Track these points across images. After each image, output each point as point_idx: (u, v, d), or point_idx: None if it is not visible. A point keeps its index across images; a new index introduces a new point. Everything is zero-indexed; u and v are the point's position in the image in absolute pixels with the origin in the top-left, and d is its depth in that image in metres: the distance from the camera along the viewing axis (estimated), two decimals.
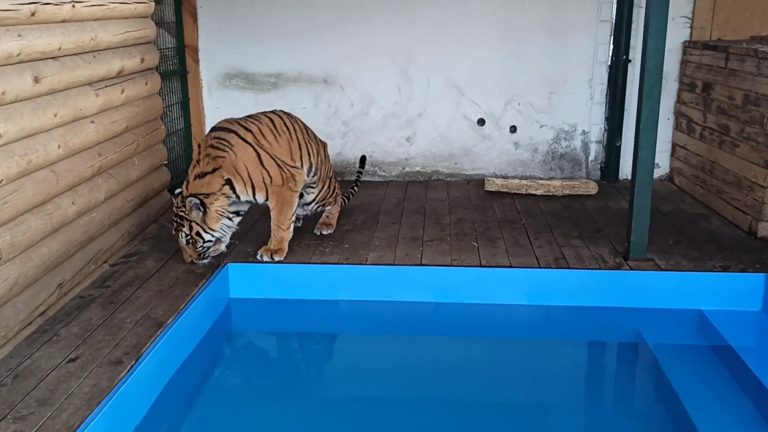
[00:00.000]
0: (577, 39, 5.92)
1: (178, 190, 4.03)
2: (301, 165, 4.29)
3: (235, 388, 3.59)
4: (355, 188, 5.30)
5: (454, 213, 5.21)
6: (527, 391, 3.46)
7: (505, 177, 6.15)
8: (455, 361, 3.79)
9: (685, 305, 3.97)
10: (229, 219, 4.06)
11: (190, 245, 3.97)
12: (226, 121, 4.15)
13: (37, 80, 3.42)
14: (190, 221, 3.90)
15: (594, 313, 4.01)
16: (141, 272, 4.05)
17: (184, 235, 3.94)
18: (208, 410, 3.28)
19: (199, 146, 4.03)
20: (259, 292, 4.19)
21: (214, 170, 3.92)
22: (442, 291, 4.14)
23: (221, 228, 4.01)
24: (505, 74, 6.02)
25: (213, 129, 4.08)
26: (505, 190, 5.73)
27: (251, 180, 4.01)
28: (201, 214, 3.89)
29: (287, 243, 4.21)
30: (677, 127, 5.95)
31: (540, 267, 4.13)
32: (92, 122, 4.02)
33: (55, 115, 3.59)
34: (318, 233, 4.64)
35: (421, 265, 4.18)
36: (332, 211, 4.76)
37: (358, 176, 5.47)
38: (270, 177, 4.05)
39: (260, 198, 4.09)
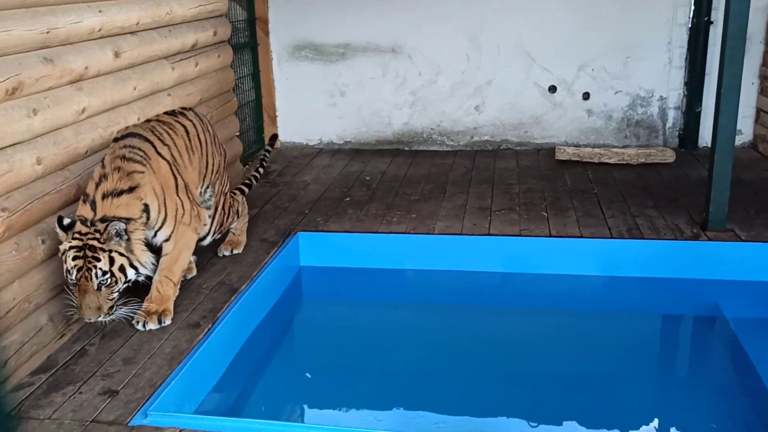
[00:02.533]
0: (655, 0, 5.68)
1: (66, 220, 2.88)
2: (203, 185, 3.56)
3: (304, 354, 3.70)
4: (260, 170, 4.59)
5: (523, 182, 5.14)
6: (598, 364, 3.42)
7: (577, 145, 6.00)
8: (523, 332, 3.78)
9: (766, 277, 3.81)
10: (153, 254, 3.10)
11: (104, 288, 2.86)
12: (136, 125, 3.26)
13: (117, 55, 3.55)
14: (110, 251, 2.85)
15: (669, 285, 3.91)
16: (217, 239, 4.19)
17: (99, 274, 2.83)
18: (280, 373, 3.40)
19: (101, 161, 3.06)
20: (328, 260, 4.27)
21: (131, 189, 2.97)
22: (511, 261, 4.11)
23: (148, 262, 3.02)
24: (578, 39, 5.85)
25: (123, 135, 3.14)
26: (576, 159, 5.60)
27: (165, 208, 3.12)
28: (125, 242, 2.91)
29: (173, 301, 3.25)
30: (762, 91, 5.66)
31: (612, 237, 4.04)
32: (168, 95, 4.15)
33: (134, 89, 3.73)
34: (222, 254, 3.87)
35: (489, 234, 4.16)
36: (238, 227, 4.02)
37: (264, 156, 4.75)
38: (183, 210, 3.22)
39: (162, 235, 3.17)
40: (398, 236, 4.20)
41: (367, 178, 5.34)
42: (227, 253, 3.87)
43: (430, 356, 3.53)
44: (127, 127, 3.25)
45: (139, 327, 3.10)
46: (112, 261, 2.86)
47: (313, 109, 6.25)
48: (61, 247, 2.86)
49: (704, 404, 3.10)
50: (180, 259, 3.25)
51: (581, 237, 4.07)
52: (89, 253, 2.82)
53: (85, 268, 2.82)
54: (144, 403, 2.61)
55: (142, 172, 3.02)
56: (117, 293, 2.93)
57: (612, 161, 5.51)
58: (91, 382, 2.75)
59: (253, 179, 4.45)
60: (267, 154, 4.78)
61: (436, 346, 3.62)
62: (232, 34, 5.21)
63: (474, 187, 5.06)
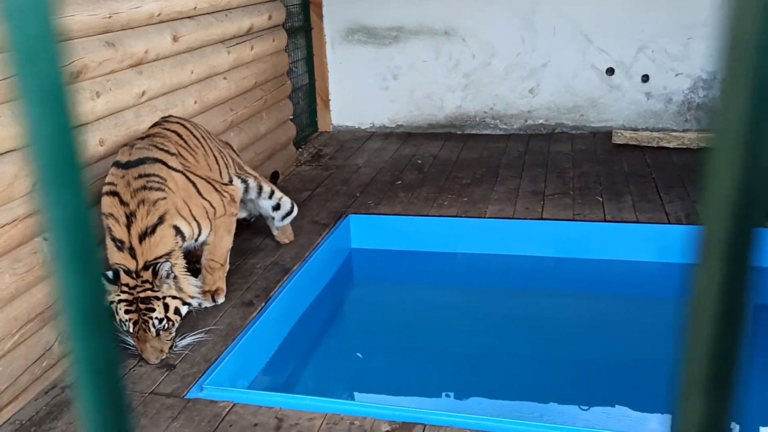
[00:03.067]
0: None
1: (110, 273, 2.73)
2: (230, 179, 3.48)
3: (353, 334, 3.75)
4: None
5: (578, 166, 5.05)
6: (653, 350, 3.35)
7: (635, 129, 5.85)
8: (576, 318, 3.73)
9: None
10: (195, 279, 3.05)
11: (162, 333, 2.81)
12: (138, 148, 2.97)
13: (175, 39, 3.63)
14: (163, 299, 2.78)
15: None
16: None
17: (156, 323, 2.76)
18: (330, 352, 3.45)
19: (114, 194, 2.82)
20: (378, 243, 4.29)
21: (161, 219, 2.86)
22: (564, 246, 4.06)
23: (195, 292, 2.96)
24: (637, 19, 5.68)
25: (132, 163, 2.89)
26: (634, 143, 5.47)
27: (196, 220, 3.08)
28: (173, 280, 2.83)
29: (224, 280, 3.33)
30: None
31: (669, 223, 3.94)
32: (224, 78, 4.22)
33: (192, 72, 3.81)
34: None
35: (542, 219, 4.11)
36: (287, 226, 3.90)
37: None
38: (213, 208, 3.19)
39: (203, 238, 3.18)
40: (449, 219, 4.20)
41: (419, 162, 5.33)
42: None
43: (479, 340, 3.52)
44: (128, 147, 3.00)
45: (195, 305, 3.19)
46: (166, 307, 2.78)
47: (365, 92, 6.27)
48: (109, 298, 2.73)
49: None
50: (221, 243, 3.28)
51: (637, 222, 3.98)
52: (142, 306, 2.73)
53: (141, 321, 2.74)
54: (199, 378, 2.69)
55: (165, 198, 2.90)
56: (174, 331, 2.87)
57: (671, 146, 5.36)
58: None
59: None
60: None
61: (484, 330, 3.62)
62: (286, 18, 5.26)
63: (527, 170, 5.00)
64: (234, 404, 2.52)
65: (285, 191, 4.77)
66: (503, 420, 2.33)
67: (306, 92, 6.22)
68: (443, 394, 3.07)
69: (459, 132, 6.18)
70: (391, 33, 6.15)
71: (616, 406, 2.94)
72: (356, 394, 3.19)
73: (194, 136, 3.36)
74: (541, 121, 6.09)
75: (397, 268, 4.29)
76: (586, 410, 2.89)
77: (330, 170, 5.22)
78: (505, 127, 6.15)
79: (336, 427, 2.38)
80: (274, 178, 4.52)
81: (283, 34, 5.15)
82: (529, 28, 5.89)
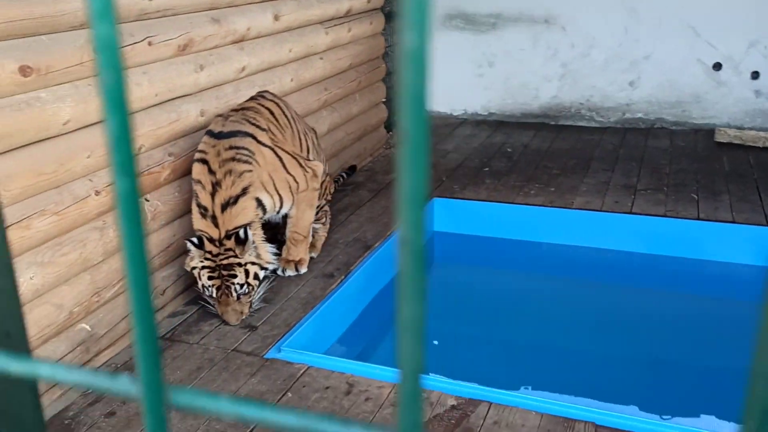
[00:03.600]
0: None
1: (189, 241, 2.91)
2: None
3: (432, 316, 3.79)
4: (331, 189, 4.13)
5: (675, 163, 4.87)
6: (740, 355, 3.22)
7: (740, 128, 5.57)
8: (662, 317, 3.63)
9: None
10: (272, 245, 3.15)
11: (243, 297, 2.96)
12: (232, 121, 3.08)
13: (276, 18, 3.77)
14: (245, 265, 2.92)
15: None
16: (354, 200, 4.37)
17: (237, 288, 2.92)
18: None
19: (204, 162, 2.97)
20: (461, 227, 4.31)
21: (244, 191, 2.97)
22: (653, 242, 3.94)
23: (272, 258, 3.08)
24: (751, 12, 5.39)
25: (224, 134, 3.01)
26: (738, 142, 5.21)
27: (278, 193, 3.17)
28: (253, 248, 2.97)
29: (307, 251, 3.46)
30: None
31: None
32: (321, 58, 4.35)
33: (290, 51, 3.96)
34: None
35: (631, 213, 4.01)
36: (320, 231, 3.70)
37: (340, 178, 4.48)
38: (296, 183, 3.26)
39: (284, 211, 3.29)
40: (534, 208, 4.16)
41: (509, 150, 5.30)
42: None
43: (555, 330, 3.49)
44: (222, 117, 3.13)
45: (279, 272, 3.34)
46: (247, 273, 2.92)
47: (459, 79, 6.26)
48: (193, 264, 2.93)
49: None
50: (304, 217, 3.37)
51: (733, 222, 3.81)
52: (224, 272, 2.88)
53: (223, 287, 2.90)
54: (279, 340, 2.83)
55: (251, 171, 3.01)
56: (254, 294, 3.02)
57: None
58: None
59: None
60: (342, 179, 4.50)
61: (562, 321, 3.58)
62: (384, 2, 5.33)
63: (620, 164, 4.87)
64: (308, 367, 2.64)
65: (372, 172, 4.89)
66: (569, 405, 2.33)
67: None
68: (512, 378, 3.08)
69: (552, 123, 6.08)
70: (489, 20, 6.11)
71: (693, 408, 2.85)
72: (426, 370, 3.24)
73: (284, 115, 3.46)
74: (639, 115, 5.90)
75: (478, 254, 4.30)
76: (668, 419, 2.83)
77: None
78: (601, 119, 6.00)
79: None
80: (350, 170, 4.61)
81: (381, 17, 5.22)
82: (633, 18, 5.70)
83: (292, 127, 3.47)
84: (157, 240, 3.00)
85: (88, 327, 2.65)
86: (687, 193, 4.27)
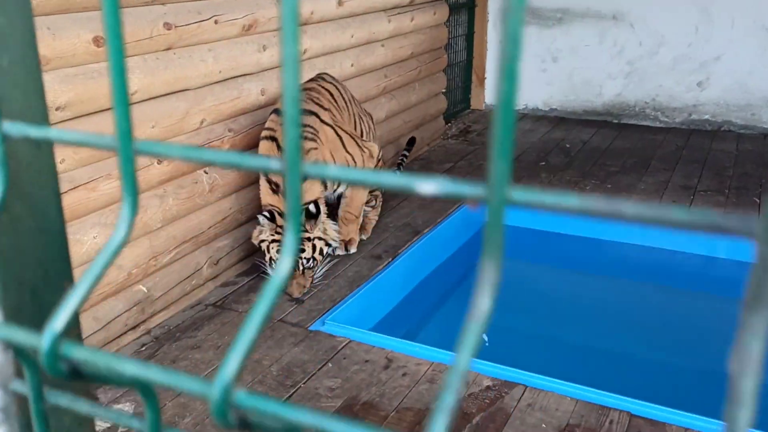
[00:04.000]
0: None
1: (263, 215, 3.01)
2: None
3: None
4: (398, 171, 4.11)
5: (739, 166, 4.73)
6: None
7: None
8: (716, 321, 3.55)
9: None
10: (334, 222, 3.25)
11: (307, 271, 3.08)
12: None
13: (340, 3, 3.85)
14: (312, 240, 3.04)
15: None
16: None
17: (304, 263, 3.04)
18: (448, 314, 3.55)
19: (273, 139, 3.07)
20: (517, 220, 4.30)
21: None
22: (709, 244, 3.85)
23: (335, 235, 3.19)
24: None
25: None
26: None
27: None
28: (321, 224, 3.10)
29: (357, 232, 3.55)
30: None
31: None
32: (382, 46, 4.41)
33: (352, 36, 4.03)
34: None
35: None
36: (370, 215, 3.75)
37: (402, 158, 4.45)
38: (354, 161, 3.34)
39: (340, 190, 3.40)
40: None
41: (567, 146, 5.25)
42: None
43: (601, 326, 3.46)
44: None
45: (330, 251, 3.41)
46: (314, 248, 3.04)
47: (522, 73, 6.19)
48: (262, 237, 3.04)
49: None
50: (357, 197, 3.45)
51: None
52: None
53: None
54: (323, 314, 2.91)
55: (316, 149, 3.11)
56: (317, 268, 3.13)
57: None
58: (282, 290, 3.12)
59: None
60: (404, 159, 4.46)
61: (610, 318, 3.55)
62: None
63: (682, 165, 4.76)
64: (350, 340, 2.71)
65: (428, 161, 4.93)
66: (604, 393, 2.32)
67: (462, 68, 6.29)
68: (550, 367, 3.08)
69: (615, 121, 5.98)
70: (555, 14, 6.05)
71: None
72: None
73: (342, 97, 3.54)
74: (706, 116, 5.73)
75: (527, 246, 4.28)
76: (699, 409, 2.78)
77: (475, 146, 5.28)
78: (666, 119, 5.86)
79: (440, 375, 2.49)
80: (410, 144, 4.65)
81: (445, 8, 5.25)
82: (705, 17, 5.55)
83: (349, 109, 3.56)
84: (214, 211, 3.13)
85: (144, 289, 2.79)
86: (749, 196, 4.14)
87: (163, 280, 2.88)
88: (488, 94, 6.42)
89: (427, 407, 2.32)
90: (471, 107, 6.40)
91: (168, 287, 2.91)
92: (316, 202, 3.05)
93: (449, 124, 5.80)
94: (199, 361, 2.61)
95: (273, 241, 3.01)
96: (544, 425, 2.20)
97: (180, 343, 2.73)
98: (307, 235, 3.02)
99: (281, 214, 3.00)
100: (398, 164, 4.44)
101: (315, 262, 3.08)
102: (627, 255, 4.04)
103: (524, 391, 2.37)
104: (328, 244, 3.12)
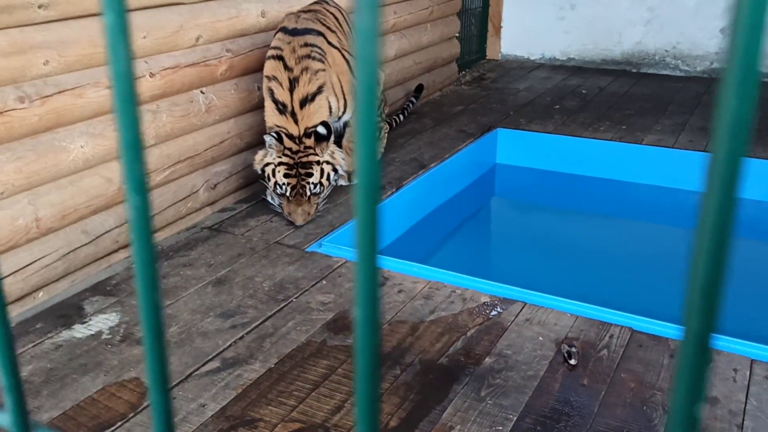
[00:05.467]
0: None
1: (270, 136, 2.85)
2: None
3: (481, 235, 3.71)
4: (401, 117, 4.23)
5: (763, 111, 4.53)
6: None
7: None
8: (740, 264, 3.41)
9: None
10: (341, 149, 3.13)
11: (313, 197, 2.94)
12: (304, 19, 3.06)
13: None
14: (321, 164, 2.89)
15: None
16: (416, 126, 4.31)
17: (311, 188, 2.89)
18: (452, 248, 3.46)
19: (280, 58, 2.93)
20: (525, 161, 4.19)
21: (319, 89, 2.94)
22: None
23: (342, 161, 3.03)
24: None
25: (299, 31, 2.98)
26: None
27: (344, 96, 3.13)
28: (329, 147, 2.95)
29: None
30: None
31: None
32: None
33: None
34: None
35: (708, 151, 3.77)
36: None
37: (410, 104, 4.35)
38: None
39: (345, 118, 3.24)
40: (601, 142, 3.98)
41: (583, 92, 5.08)
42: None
43: (607, 262, 3.35)
44: (294, 15, 3.09)
45: (332, 181, 3.31)
46: (322, 172, 2.89)
47: (539, 21, 6.03)
48: (267, 160, 2.88)
49: None
50: None
51: None
52: (302, 171, 2.83)
53: (299, 186, 2.84)
54: (321, 237, 2.83)
55: (324, 70, 2.98)
56: (324, 193, 2.99)
57: None
58: (282, 216, 3.04)
59: (395, 120, 4.15)
60: (411, 104, 4.38)
61: (615, 255, 3.43)
62: None
63: (701, 108, 4.59)
64: (346, 261, 2.63)
65: (439, 104, 4.80)
66: (605, 309, 2.22)
67: (479, 17, 6.12)
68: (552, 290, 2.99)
69: (634, 70, 5.78)
70: None
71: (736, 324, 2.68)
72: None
73: (347, 21, 3.43)
74: None
75: (539, 188, 4.17)
76: None
77: (489, 91, 5.14)
78: (686, 68, 5.66)
79: (437, 292, 2.41)
80: (418, 91, 4.52)
81: None
82: None
83: (352, 35, 3.43)
84: (211, 134, 3.04)
85: None
86: None
87: (156, 200, 2.81)
88: (504, 43, 6.24)
89: (422, 321, 2.24)
90: (486, 57, 6.23)
91: (161, 207, 2.84)
92: (325, 123, 2.91)
93: (463, 72, 5.65)
94: (190, 276, 2.55)
95: (280, 163, 2.86)
96: (540, 338, 2.11)
97: (172, 261, 2.67)
98: (316, 158, 2.87)
99: (289, 136, 2.87)
100: (404, 108, 4.32)
101: (321, 188, 2.92)
102: (643, 195, 3.91)
103: (523, 308, 2.28)
104: (335, 170, 2.97)
